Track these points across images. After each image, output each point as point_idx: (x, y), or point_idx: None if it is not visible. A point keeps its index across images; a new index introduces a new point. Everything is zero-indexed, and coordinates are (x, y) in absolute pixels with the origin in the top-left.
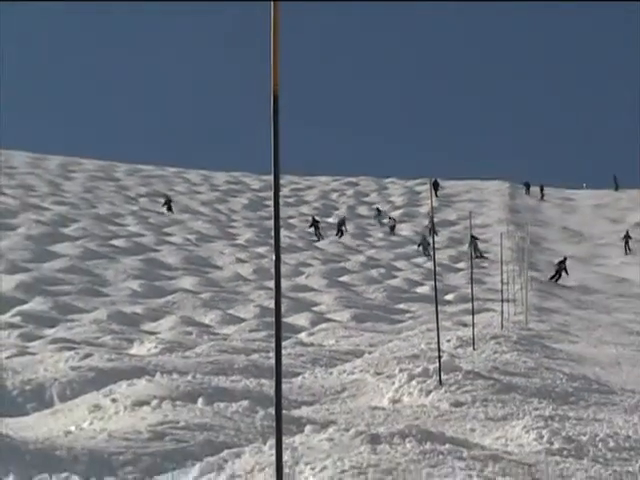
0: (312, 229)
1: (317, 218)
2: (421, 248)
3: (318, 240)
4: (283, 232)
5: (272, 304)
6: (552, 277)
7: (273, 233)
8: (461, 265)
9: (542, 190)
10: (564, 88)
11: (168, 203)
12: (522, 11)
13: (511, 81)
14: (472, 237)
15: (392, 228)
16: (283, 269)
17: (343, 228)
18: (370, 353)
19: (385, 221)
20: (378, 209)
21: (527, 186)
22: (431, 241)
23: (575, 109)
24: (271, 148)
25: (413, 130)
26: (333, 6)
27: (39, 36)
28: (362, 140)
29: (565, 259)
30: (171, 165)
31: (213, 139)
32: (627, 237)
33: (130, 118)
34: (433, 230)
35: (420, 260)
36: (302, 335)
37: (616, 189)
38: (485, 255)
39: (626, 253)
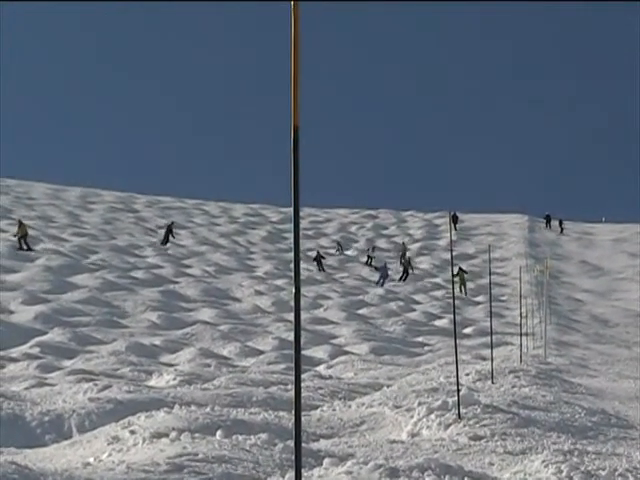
0: (314, 262)
1: (322, 253)
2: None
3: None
4: (302, 264)
5: (291, 336)
6: (401, 278)
7: (293, 265)
8: (480, 298)
9: (561, 224)
10: (581, 120)
11: (170, 231)
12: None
13: (529, 114)
14: (460, 269)
15: (405, 270)
16: (302, 302)
17: (322, 261)
18: (389, 386)
19: (349, 252)
20: (339, 243)
21: (547, 219)
22: (451, 271)
23: (594, 142)
24: (291, 180)
25: (432, 163)
26: (357, 37)
27: (57, 67)
28: (381, 173)
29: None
30: (190, 197)
31: (232, 171)
32: None
33: (149, 150)
34: (452, 264)
35: (439, 293)
36: (321, 368)
37: None
38: (467, 293)
39: None
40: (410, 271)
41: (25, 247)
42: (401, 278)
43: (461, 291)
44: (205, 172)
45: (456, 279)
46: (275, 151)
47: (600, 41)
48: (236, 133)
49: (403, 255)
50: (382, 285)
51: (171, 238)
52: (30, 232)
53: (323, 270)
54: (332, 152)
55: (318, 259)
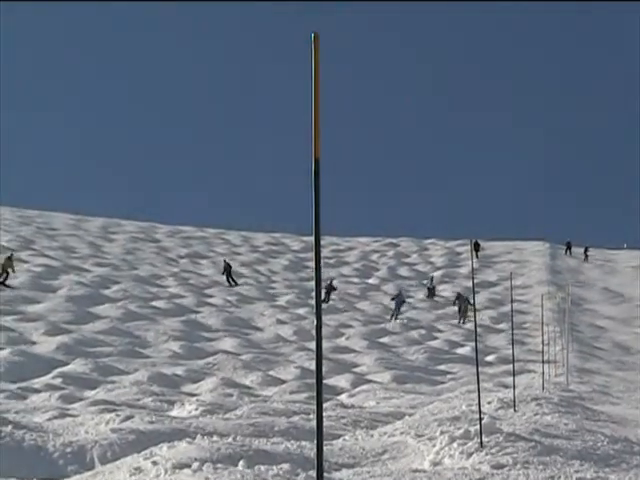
0: (324, 293)
1: (334, 284)
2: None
3: (324, 302)
4: (323, 293)
5: (313, 365)
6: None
7: (314, 294)
8: (502, 326)
9: (586, 251)
10: (598, 146)
11: (228, 270)
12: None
13: (546, 141)
14: (463, 297)
15: (431, 290)
16: (323, 330)
17: (332, 294)
18: (411, 415)
19: (370, 281)
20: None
21: (568, 246)
22: (471, 300)
23: (614, 168)
24: (312, 209)
25: (453, 191)
26: (373, 63)
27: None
28: (402, 201)
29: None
30: (211, 226)
31: (253, 200)
32: None
33: (170, 180)
34: (473, 292)
35: (459, 323)
36: (343, 397)
37: None
38: (469, 315)
39: None
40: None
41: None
42: (460, 320)
43: (459, 320)
44: (226, 202)
45: (457, 305)
46: (297, 180)
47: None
48: (257, 162)
49: (432, 290)
50: (396, 318)
51: (231, 281)
52: (51, 263)
53: (327, 301)
54: (353, 180)
55: (328, 289)
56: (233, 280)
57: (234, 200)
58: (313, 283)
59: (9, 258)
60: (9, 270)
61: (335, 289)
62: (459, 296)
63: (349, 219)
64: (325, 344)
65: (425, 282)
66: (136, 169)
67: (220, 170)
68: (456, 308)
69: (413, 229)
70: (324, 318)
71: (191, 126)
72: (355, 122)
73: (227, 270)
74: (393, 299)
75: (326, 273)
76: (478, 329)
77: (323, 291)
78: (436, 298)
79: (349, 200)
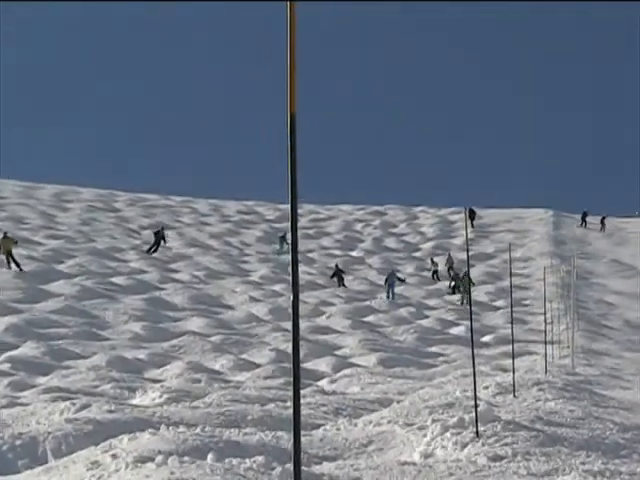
0: (335, 279)
1: (341, 267)
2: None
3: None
4: (302, 267)
5: (290, 348)
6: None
7: (291, 269)
8: (500, 303)
9: (603, 221)
10: (608, 108)
11: (162, 237)
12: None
13: (553, 102)
14: (467, 276)
15: (435, 273)
16: (302, 309)
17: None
18: (399, 402)
19: (354, 253)
20: (283, 237)
21: (584, 216)
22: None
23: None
24: (288, 173)
25: (446, 154)
26: (363, 26)
27: (30, 59)
28: (389, 165)
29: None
30: (177, 194)
31: (224, 165)
32: None
33: (132, 143)
34: (468, 264)
35: (455, 298)
36: (323, 382)
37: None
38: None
39: None
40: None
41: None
42: (454, 293)
43: (462, 302)
44: (193, 166)
45: (459, 284)
46: (271, 142)
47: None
48: (228, 123)
49: (451, 267)
50: (393, 298)
51: (162, 244)
52: None
53: (344, 286)
54: (334, 144)
55: (338, 274)
56: (154, 248)
57: (202, 165)
58: (289, 256)
59: (5, 237)
60: (11, 249)
61: (344, 272)
62: (460, 276)
63: (330, 185)
64: (303, 324)
65: (429, 267)
66: (93, 131)
67: (187, 132)
68: (448, 284)
69: (401, 196)
70: (302, 295)
71: (154, 84)
72: (337, 80)
73: (160, 236)
74: (387, 279)
75: (304, 245)
76: (474, 307)
77: (334, 278)
78: (426, 273)
79: (330, 164)
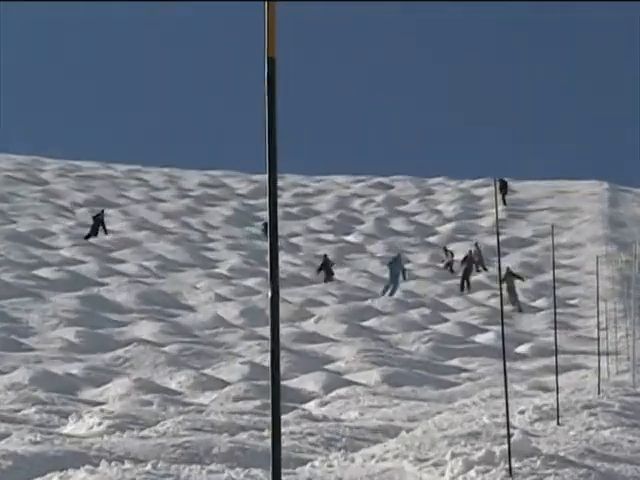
0: (320, 272)
1: (330, 257)
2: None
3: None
4: (283, 257)
5: (267, 360)
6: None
7: (269, 258)
8: (540, 303)
9: None
10: None
11: (100, 222)
12: None
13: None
14: (510, 272)
15: (449, 265)
16: (283, 310)
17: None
18: (409, 431)
19: (350, 238)
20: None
21: None
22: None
23: None
24: (265, 134)
25: (469, 110)
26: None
27: None
28: (394, 126)
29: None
30: (122, 162)
31: (183, 128)
32: None
33: (64, 99)
34: (499, 252)
35: (481, 295)
36: (311, 405)
37: None
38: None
39: None
40: (478, 269)
41: None
42: (462, 288)
43: (513, 303)
44: (143, 127)
45: (503, 285)
46: (245, 98)
47: None
48: (187, 75)
49: (479, 262)
50: (392, 292)
51: (101, 231)
52: None
53: (331, 280)
54: (326, 99)
55: (327, 266)
56: (96, 235)
57: (155, 126)
58: (267, 243)
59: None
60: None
61: (333, 264)
62: (509, 273)
63: (320, 150)
64: (285, 329)
65: (444, 259)
66: (13, 83)
67: (135, 87)
68: (461, 283)
69: (412, 164)
70: (284, 292)
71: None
72: (329, 29)
73: (99, 221)
74: (391, 264)
75: (287, 227)
76: (506, 307)
77: (321, 272)
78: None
79: (321, 124)
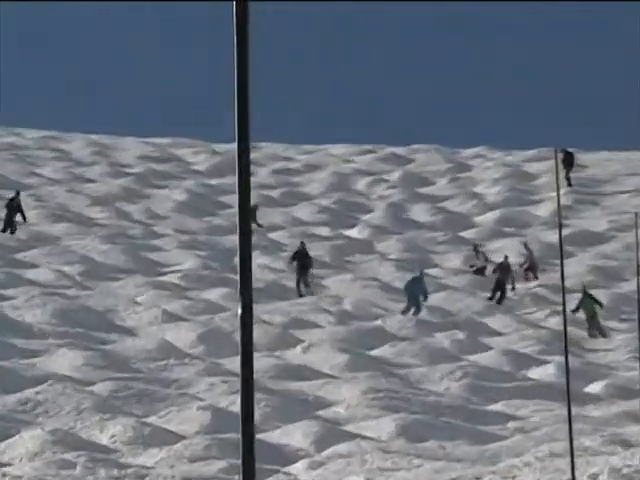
0: (294, 264)
1: (306, 246)
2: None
3: (300, 294)
4: (259, 259)
5: (236, 405)
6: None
7: (238, 261)
8: (618, 324)
9: None
10: None
11: (17, 208)
12: None
13: None
14: (587, 294)
15: (481, 271)
16: (260, 333)
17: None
18: None
19: (352, 233)
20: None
21: None
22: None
23: None
24: (234, 92)
25: (519, 62)
26: None
27: None
28: (417, 78)
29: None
30: (34, 127)
31: (118, 79)
32: None
33: None
34: (562, 252)
35: (537, 315)
36: (298, 467)
37: None
38: None
39: None
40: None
41: None
42: (492, 297)
43: (591, 329)
44: (63, 79)
45: (581, 314)
46: (207, 45)
47: None
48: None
49: (531, 268)
50: (416, 313)
51: (20, 221)
52: None
53: (308, 286)
54: (317, 45)
55: (301, 259)
56: (9, 228)
57: (77, 78)
58: (237, 238)
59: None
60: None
61: (310, 258)
62: (585, 294)
63: (311, 113)
64: (262, 360)
65: (474, 264)
66: None
67: (53, 30)
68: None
69: (439, 130)
70: (261, 308)
71: None
72: None
73: (16, 206)
74: (408, 287)
75: (265, 218)
76: (569, 328)
77: (294, 264)
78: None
79: (311, 77)
